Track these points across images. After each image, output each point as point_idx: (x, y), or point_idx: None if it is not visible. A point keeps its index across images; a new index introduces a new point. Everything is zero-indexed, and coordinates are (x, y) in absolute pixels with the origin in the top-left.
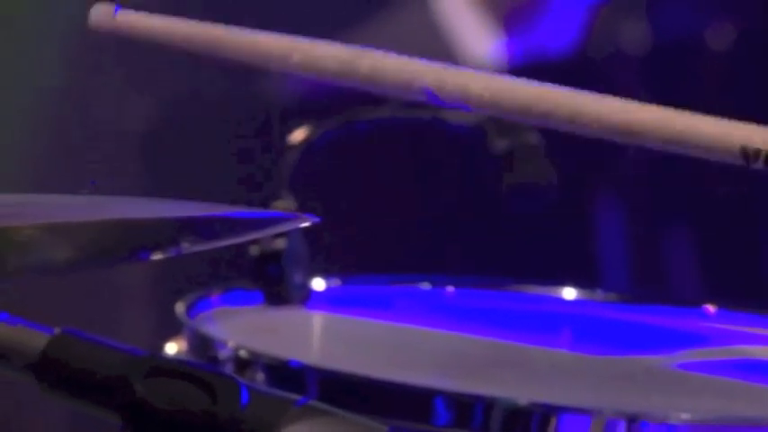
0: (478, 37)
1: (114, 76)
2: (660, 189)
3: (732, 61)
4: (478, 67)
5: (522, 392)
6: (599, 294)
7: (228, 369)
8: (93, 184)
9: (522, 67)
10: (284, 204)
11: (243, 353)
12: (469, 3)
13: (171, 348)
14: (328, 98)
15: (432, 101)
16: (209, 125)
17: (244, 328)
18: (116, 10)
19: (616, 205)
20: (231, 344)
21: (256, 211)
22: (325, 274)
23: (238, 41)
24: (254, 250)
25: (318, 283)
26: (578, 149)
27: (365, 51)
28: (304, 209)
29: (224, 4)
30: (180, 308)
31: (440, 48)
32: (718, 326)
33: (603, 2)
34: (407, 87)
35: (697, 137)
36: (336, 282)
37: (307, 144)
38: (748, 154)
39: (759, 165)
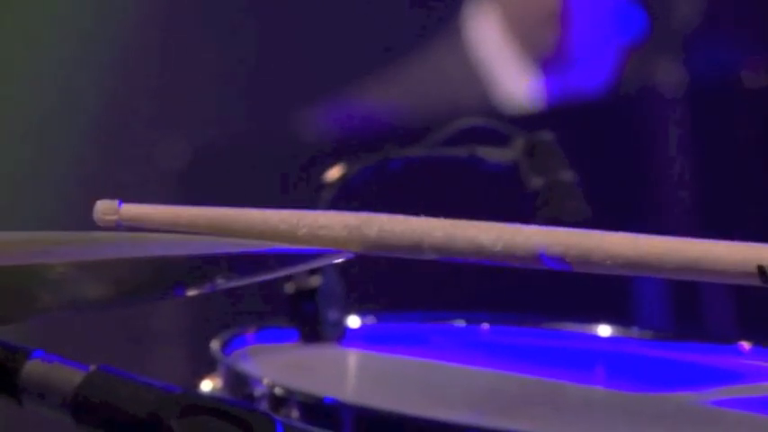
0: (514, 76)
1: (149, 114)
2: (696, 224)
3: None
4: (515, 106)
5: (555, 429)
6: (633, 331)
7: (264, 406)
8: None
9: (557, 106)
10: None
11: (278, 390)
12: (505, 42)
13: (206, 386)
14: (364, 136)
15: (444, 259)
16: (244, 163)
17: (279, 366)
18: (119, 204)
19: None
20: (266, 381)
21: (291, 248)
22: (360, 311)
23: (244, 221)
24: (289, 288)
25: (353, 321)
26: (614, 186)
27: (371, 217)
28: None
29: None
30: (215, 345)
31: (476, 86)
32: (752, 362)
33: (638, 42)
34: (418, 248)
35: (712, 262)
36: (371, 319)
37: (343, 181)
38: (765, 272)
39: None
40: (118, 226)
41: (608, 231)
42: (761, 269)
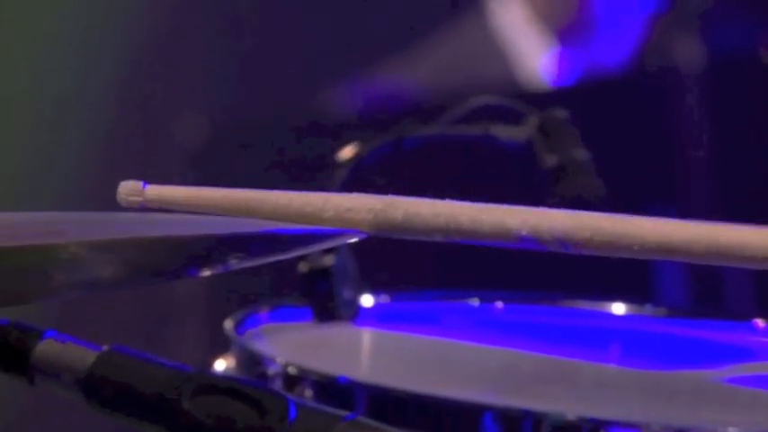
0: (536, 51)
1: (167, 93)
2: (714, 202)
3: None
4: (536, 83)
5: (570, 407)
6: (648, 309)
7: (277, 385)
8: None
9: (579, 82)
10: None
11: (291, 369)
12: (528, 18)
13: (220, 365)
14: (378, 114)
15: (469, 242)
16: (258, 142)
17: (292, 345)
18: (144, 185)
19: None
20: (280, 360)
21: (305, 228)
22: (374, 290)
23: (270, 203)
24: (302, 267)
25: (367, 300)
26: (631, 164)
27: (396, 200)
28: None
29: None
30: (228, 325)
31: (499, 62)
32: (767, 340)
33: (656, 17)
34: (444, 231)
35: (741, 248)
36: (385, 298)
37: (356, 160)
38: None
39: None
40: (141, 207)
41: (634, 215)
42: None
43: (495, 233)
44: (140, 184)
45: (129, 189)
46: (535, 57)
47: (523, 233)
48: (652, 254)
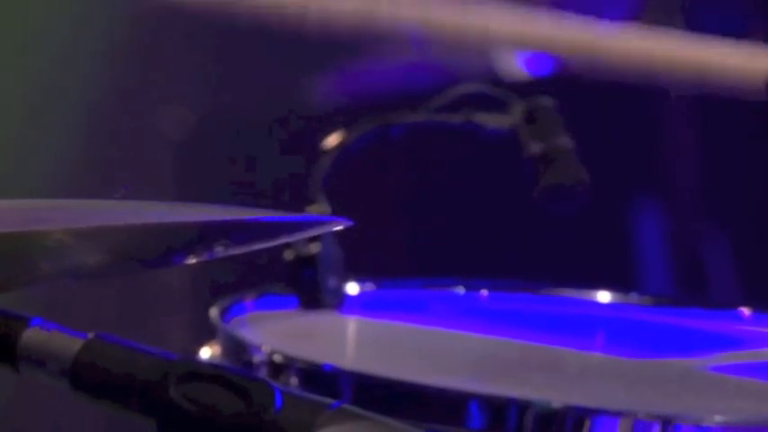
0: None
1: (149, 82)
2: (697, 192)
3: None
4: (517, 76)
5: (555, 395)
6: (633, 297)
7: (262, 373)
8: (125, 188)
9: (563, 71)
10: (318, 208)
11: (277, 357)
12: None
13: (205, 353)
14: (362, 103)
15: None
16: (242, 131)
17: (278, 333)
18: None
19: (653, 208)
20: (265, 348)
21: (290, 215)
22: (359, 278)
23: None
24: (288, 254)
25: (352, 288)
26: (615, 152)
27: None
28: (338, 213)
29: None
30: (214, 312)
31: (480, 56)
32: (752, 328)
33: (642, 5)
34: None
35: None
36: (370, 286)
37: (341, 148)
38: None
39: None
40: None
41: None
42: None
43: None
44: None
45: None
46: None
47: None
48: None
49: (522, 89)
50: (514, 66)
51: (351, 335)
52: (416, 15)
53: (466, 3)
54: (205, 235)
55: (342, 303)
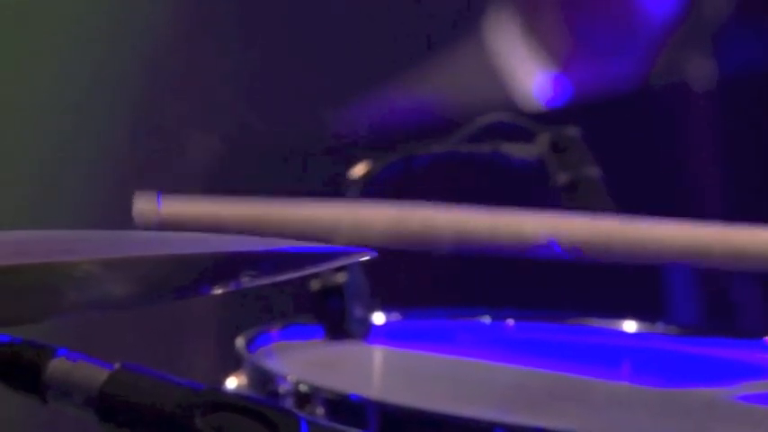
0: (532, 75)
1: (180, 109)
2: (725, 221)
3: None
4: (533, 104)
5: (582, 425)
6: (659, 327)
7: (288, 403)
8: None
9: (583, 101)
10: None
11: (303, 387)
12: (524, 41)
13: (231, 383)
14: (390, 132)
15: (490, 249)
16: (271, 160)
17: (304, 363)
18: (158, 199)
19: None
20: (291, 378)
21: (317, 246)
22: (385, 308)
23: (285, 216)
24: (314, 284)
25: (379, 318)
26: (642, 182)
27: (412, 209)
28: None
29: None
30: (240, 342)
31: (496, 87)
32: None
33: (667, 34)
34: (462, 237)
35: (758, 247)
36: (397, 316)
37: (367, 178)
38: None
39: None
40: (157, 225)
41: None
42: None
43: (512, 239)
44: (155, 197)
45: (144, 203)
46: (531, 78)
47: (540, 234)
48: (673, 257)
49: (547, 118)
50: (534, 93)
51: (377, 365)
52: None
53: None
54: (231, 265)
55: (368, 333)
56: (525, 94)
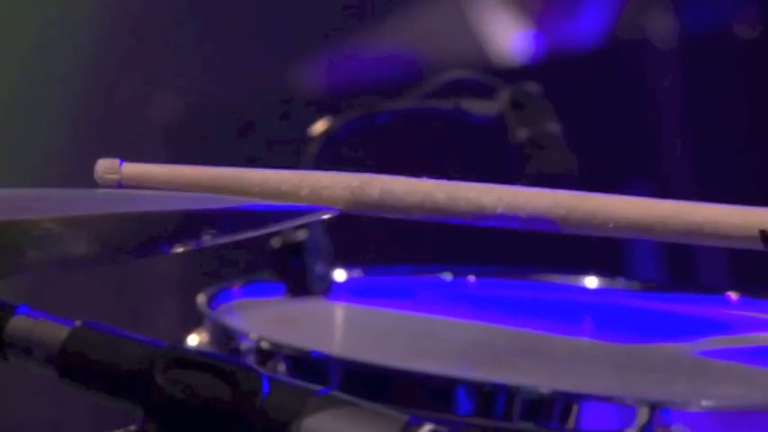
0: (506, 30)
1: (140, 71)
2: (686, 175)
3: (761, 52)
4: (506, 58)
5: (544, 381)
6: (620, 283)
7: (250, 360)
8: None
9: (551, 58)
10: None
11: (264, 344)
12: None
13: (192, 340)
14: (349, 89)
15: (449, 219)
16: (230, 118)
17: (265, 320)
18: (120, 163)
19: (641, 192)
20: (252, 335)
21: (277, 204)
22: (347, 264)
23: (246, 181)
24: (275, 242)
25: (340, 274)
26: (604, 138)
27: (373, 177)
28: None
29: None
30: (201, 299)
31: (469, 42)
32: (740, 313)
33: None
34: (419, 208)
35: (716, 227)
36: (358, 272)
37: (328, 135)
38: None
39: None
40: (119, 185)
41: (610, 194)
42: (763, 234)
43: (471, 211)
44: (117, 162)
45: (105, 167)
46: (505, 33)
47: (499, 210)
48: (627, 232)
49: (511, 75)
50: (507, 48)
51: (338, 322)
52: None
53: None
54: (192, 224)
55: (329, 290)
56: (499, 49)
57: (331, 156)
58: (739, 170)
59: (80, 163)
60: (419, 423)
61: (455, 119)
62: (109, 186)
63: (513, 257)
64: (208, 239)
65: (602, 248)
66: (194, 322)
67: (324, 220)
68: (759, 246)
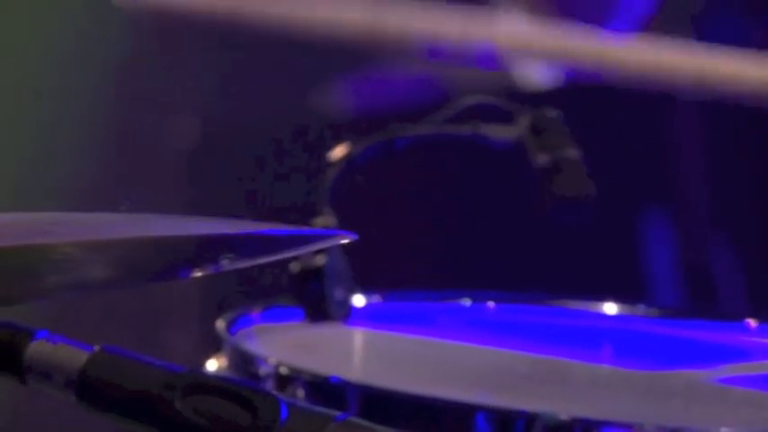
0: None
1: (157, 93)
2: (705, 203)
3: None
4: (528, 83)
5: (563, 407)
6: (640, 309)
7: (269, 385)
8: (129, 202)
9: (570, 84)
10: (324, 221)
11: (283, 369)
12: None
13: (211, 365)
14: (369, 115)
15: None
16: (249, 143)
17: (284, 345)
18: None
19: (660, 219)
20: (271, 360)
21: (296, 229)
22: (366, 290)
23: (262, 7)
24: (294, 267)
25: (358, 300)
26: (626, 163)
27: (387, 10)
28: (344, 225)
29: None
30: (220, 325)
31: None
32: (759, 340)
33: (648, 17)
34: (433, 38)
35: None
36: (377, 298)
37: (347, 161)
38: None
39: None
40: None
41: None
42: None
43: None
44: None
45: None
46: (528, 60)
47: (514, 43)
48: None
49: (529, 100)
50: (533, 76)
51: (357, 347)
52: (423, 26)
53: (473, 15)
54: (210, 248)
55: (348, 315)
56: (524, 75)
57: (350, 181)
58: (759, 194)
59: (98, 186)
60: None
61: (474, 144)
62: (126, 4)
63: (532, 283)
64: (226, 264)
65: (621, 274)
66: (213, 347)
67: (342, 244)
68: None
